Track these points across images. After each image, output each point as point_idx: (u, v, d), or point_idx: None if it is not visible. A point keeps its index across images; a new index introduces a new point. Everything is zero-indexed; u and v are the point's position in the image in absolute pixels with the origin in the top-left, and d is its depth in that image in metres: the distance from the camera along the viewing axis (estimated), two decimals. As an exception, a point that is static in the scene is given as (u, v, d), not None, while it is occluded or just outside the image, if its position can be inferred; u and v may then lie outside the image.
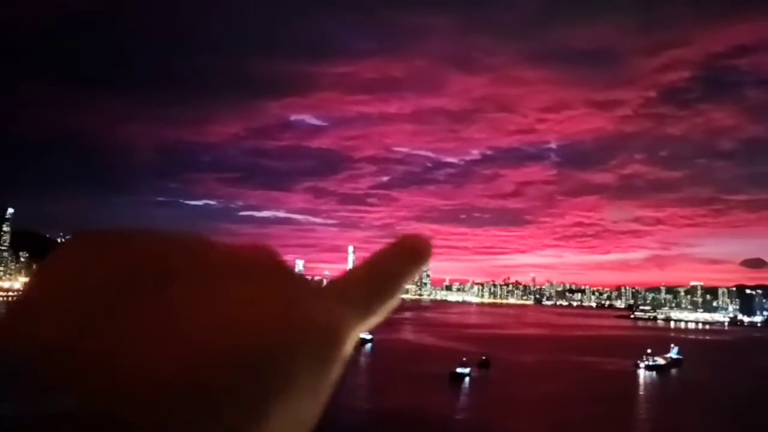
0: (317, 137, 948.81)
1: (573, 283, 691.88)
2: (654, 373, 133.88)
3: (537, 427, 76.58)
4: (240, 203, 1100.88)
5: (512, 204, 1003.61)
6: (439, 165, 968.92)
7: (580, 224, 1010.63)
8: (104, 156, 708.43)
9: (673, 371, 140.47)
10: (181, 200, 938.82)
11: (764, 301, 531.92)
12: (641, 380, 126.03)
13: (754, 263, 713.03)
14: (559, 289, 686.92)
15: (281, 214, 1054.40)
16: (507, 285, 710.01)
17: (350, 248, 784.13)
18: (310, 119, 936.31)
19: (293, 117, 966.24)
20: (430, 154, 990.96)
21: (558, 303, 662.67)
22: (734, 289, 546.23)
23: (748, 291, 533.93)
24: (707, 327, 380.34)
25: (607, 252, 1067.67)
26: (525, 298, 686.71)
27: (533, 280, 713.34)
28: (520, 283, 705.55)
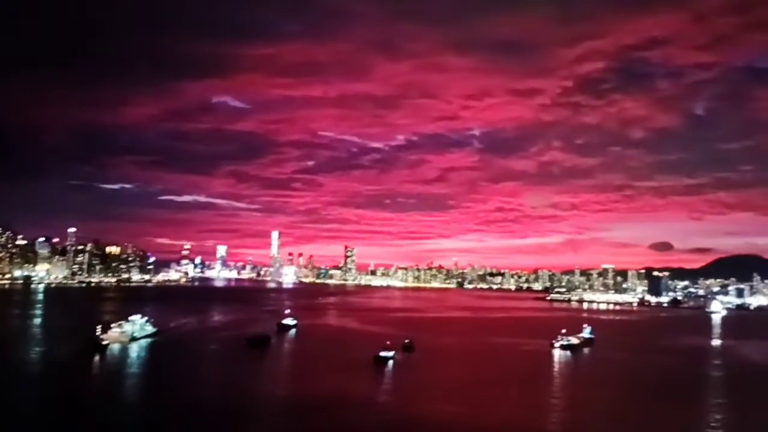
0: (239, 120, 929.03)
1: (494, 267, 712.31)
2: (568, 352, 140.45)
3: (458, 407, 79.16)
4: (159, 187, 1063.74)
5: (436, 189, 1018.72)
6: (365, 150, 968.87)
7: (501, 209, 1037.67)
8: (13, 138, 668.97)
9: (586, 350, 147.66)
10: (96, 184, 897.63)
11: (670, 282, 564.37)
12: (556, 359, 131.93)
13: (662, 246, 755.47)
14: (481, 272, 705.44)
15: (202, 198, 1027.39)
16: (430, 269, 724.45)
17: (275, 233, 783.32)
18: (232, 101, 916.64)
19: (214, 99, 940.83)
20: (355, 139, 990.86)
21: (479, 286, 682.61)
22: (643, 271, 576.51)
23: (655, 273, 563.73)
24: (617, 307, 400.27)
25: (526, 236, 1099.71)
26: (448, 282, 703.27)
27: (456, 264, 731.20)
28: (443, 268, 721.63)
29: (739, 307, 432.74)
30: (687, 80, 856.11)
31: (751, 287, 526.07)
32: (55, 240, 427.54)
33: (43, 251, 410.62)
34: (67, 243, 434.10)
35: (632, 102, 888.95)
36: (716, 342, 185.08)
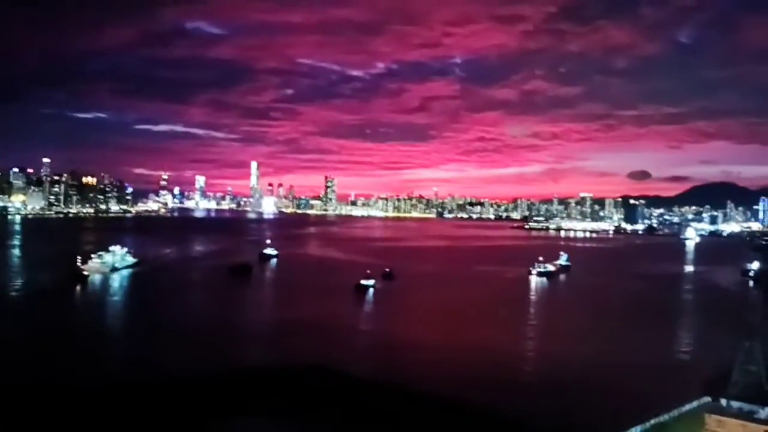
0: (216, 46, 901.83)
1: (473, 197, 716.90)
2: (545, 278, 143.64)
3: (435, 333, 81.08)
4: (134, 116, 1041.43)
5: (417, 119, 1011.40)
6: (345, 78, 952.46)
7: (481, 139, 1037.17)
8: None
9: (562, 277, 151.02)
10: (69, 113, 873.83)
11: (646, 210, 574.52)
12: (533, 286, 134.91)
13: (639, 175, 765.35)
14: (460, 202, 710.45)
15: (179, 128, 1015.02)
16: (411, 199, 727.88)
17: (254, 164, 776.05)
18: (208, 27, 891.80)
19: (189, 24, 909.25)
20: (335, 66, 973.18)
21: (459, 216, 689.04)
22: (620, 199, 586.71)
23: (632, 201, 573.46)
24: (594, 235, 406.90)
25: (506, 166, 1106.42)
26: (428, 211, 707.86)
27: (436, 194, 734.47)
28: (423, 197, 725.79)
29: (713, 233, 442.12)
30: (673, 6, 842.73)
31: (725, 214, 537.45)
32: (30, 170, 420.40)
33: (18, 182, 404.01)
34: (42, 173, 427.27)
35: (617, 29, 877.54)
36: (689, 268, 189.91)
